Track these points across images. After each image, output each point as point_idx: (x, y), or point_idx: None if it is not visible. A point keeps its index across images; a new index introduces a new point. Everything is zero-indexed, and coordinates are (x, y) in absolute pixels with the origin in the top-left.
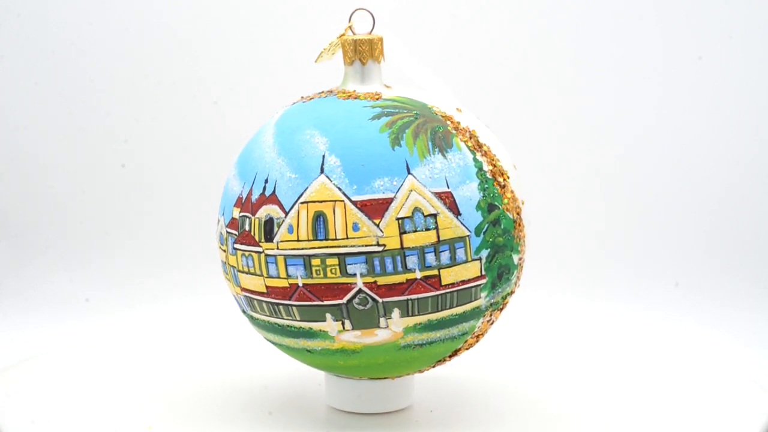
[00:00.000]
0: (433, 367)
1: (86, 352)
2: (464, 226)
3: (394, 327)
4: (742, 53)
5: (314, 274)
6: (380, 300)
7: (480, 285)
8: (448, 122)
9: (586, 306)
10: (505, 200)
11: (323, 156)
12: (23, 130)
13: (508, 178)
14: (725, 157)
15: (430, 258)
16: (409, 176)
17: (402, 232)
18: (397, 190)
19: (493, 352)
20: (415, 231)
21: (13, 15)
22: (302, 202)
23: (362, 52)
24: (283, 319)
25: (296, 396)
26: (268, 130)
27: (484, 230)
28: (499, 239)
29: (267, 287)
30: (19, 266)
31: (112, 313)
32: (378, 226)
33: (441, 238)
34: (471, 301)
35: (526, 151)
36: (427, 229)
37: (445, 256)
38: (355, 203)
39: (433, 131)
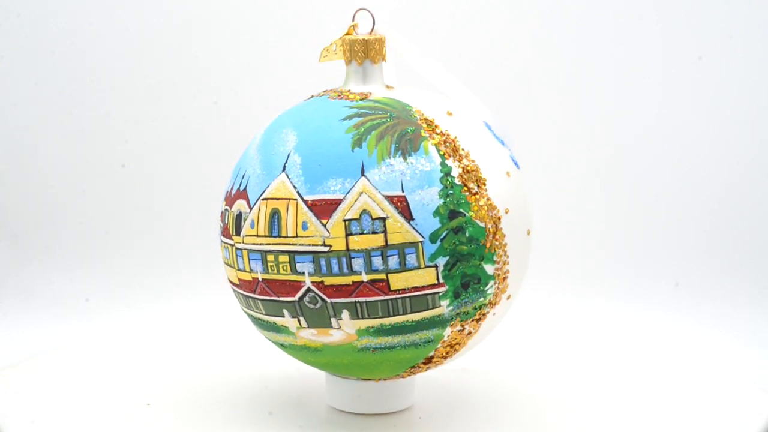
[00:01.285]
0: (411, 373)
1: (86, 352)
2: (417, 231)
3: (345, 328)
4: (742, 53)
5: (269, 270)
6: (329, 300)
7: (438, 293)
8: (425, 126)
9: (586, 306)
10: (475, 208)
11: (288, 154)
12: (23, 130)
13: (485, 185)
14: (725, 157)
15: (377, 262)
16: (362, 178)
17: (348, 234)
18: (348, 192)
19: (494, 353)
20: (362, 233)
21: (13, 15)
22: (263, 199)
23: (357, 52)
24: (254, 311)
25: (296, 396)
26: (264, 128)
27: (441, 237)
28: (462, 247)
29: (239, 279)
30: (19, 266)
31: (112, 313)
32: (325, 226)
33: (389, 243)
34: (428, 309)
35: (526, 151)
36: (374, 233)
37: (393, 261)
38: (306, 202)
39: (401, 134)
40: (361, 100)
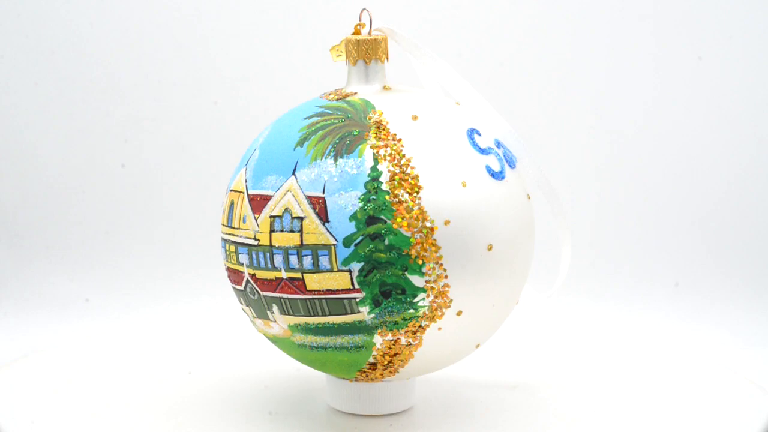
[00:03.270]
0: (368, 378)
1: (86, 352)
2: (330, 234)
3: (279, 323)
4: (742, 53)
5: (228, 258)
6: (261, 293)
7: (355, 298)
8: (373, 129)
9: (586, 306)
10: (399, 216)
11: (255, 149)
12: (23, 130)
13: (418, 192)
14: (725, 157)
15: (293, 260)
16: (292, 177)
17: (271, 230)
18: (277, 189)
19: (494, 353)
20: (282, 231)
21: (13, 15)
22: (230, 190)
23: (350, 52)
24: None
25: (296, 396)
26: None
27: (356, 242)
28: (380, 255)
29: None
30: (20, 266)
31: (112, 313)
32: (257, 220)
33: (304, 242)
34: (347, 314)
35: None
36: (292, 231)
37: (307, 261)
38: (248, 196)
39: (344, 136)
40: (336, 99)
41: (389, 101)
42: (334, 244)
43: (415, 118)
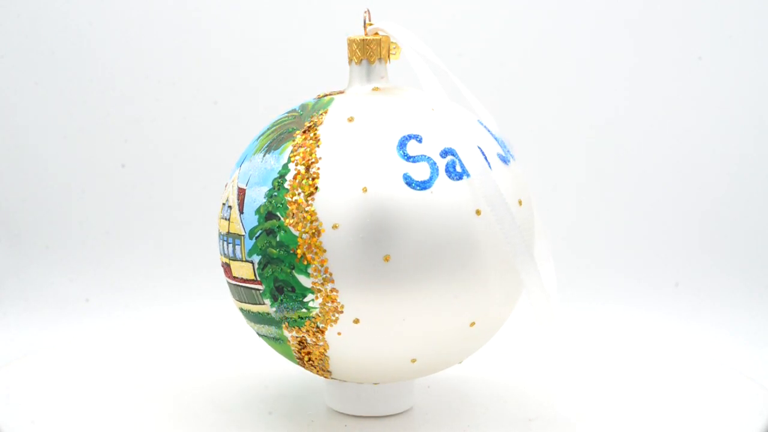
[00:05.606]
0: (311, 370)
1: (86, 352)
2: (242, 225)
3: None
4: (742, 53)
5: None
6: (224, 276)
7: (258, 290)
8: (306, 128)
9: (586, 306)
10: (289, 214)
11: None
12: (23, 130)
13: (311, 195)
14: (725, 157)
15: (224, 246)
16: (238, 169)
17: (220, 217)
18: (230, 179)
19: (494, 353)
20: (222, 218)
21: (13, 15)
22: None
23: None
24: None
25: (296, 396)
26: None
27: (256, 235)
28: (272, 250)
29: None
30: (20, 266)
31: (112, 313)
32: (221, 208)
33: (230, 231)
34: (256, 303)
35: (525, 151)
36: (225, 219)
37: (230, 249)
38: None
39: (281, 133)
40: (318, 98)
41: (351, 102)
42: (243, 235)
43: (351, 120)
